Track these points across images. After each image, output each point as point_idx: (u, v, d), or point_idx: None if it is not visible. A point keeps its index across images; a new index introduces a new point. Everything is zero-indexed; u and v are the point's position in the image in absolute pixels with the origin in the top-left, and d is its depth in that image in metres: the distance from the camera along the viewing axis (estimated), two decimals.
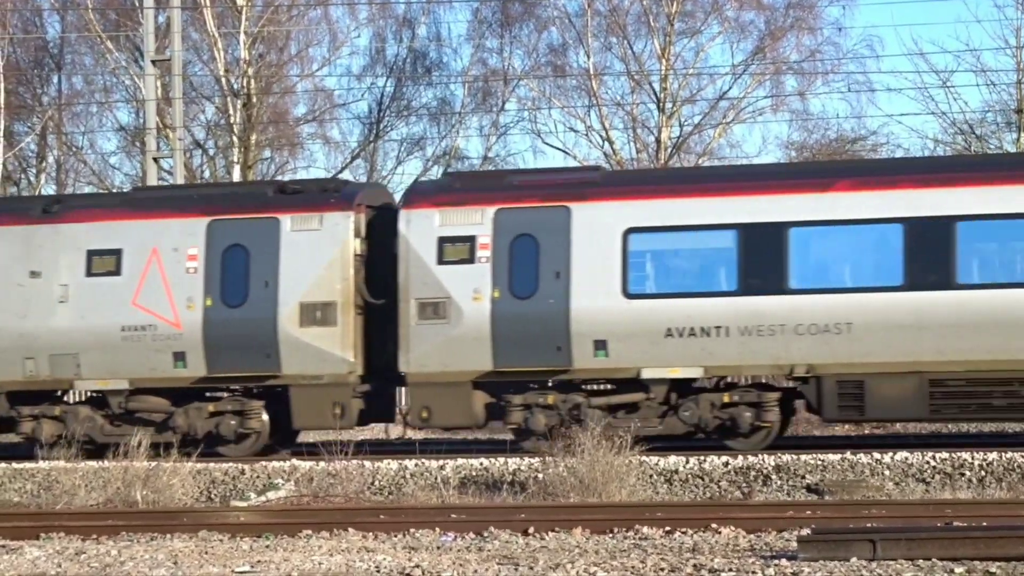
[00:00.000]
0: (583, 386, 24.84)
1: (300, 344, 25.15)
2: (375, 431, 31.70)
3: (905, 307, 23.46)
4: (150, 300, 25.67)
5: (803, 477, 22.50)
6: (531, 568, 15.43)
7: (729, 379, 24.67)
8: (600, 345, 24.25)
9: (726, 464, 22.76)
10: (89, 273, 26.01)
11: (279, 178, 44.84)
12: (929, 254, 23.54)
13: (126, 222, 26.12)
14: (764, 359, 23.95)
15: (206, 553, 17.30)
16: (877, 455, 22.59)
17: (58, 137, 49.31)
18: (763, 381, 25.07)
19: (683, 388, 24.49)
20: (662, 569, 15.12)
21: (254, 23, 45.79)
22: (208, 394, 26.18)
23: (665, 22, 44.79)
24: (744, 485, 22.57)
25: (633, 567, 15.29)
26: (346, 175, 47.56)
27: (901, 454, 22.57)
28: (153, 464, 22.53)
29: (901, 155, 43.80)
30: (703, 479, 22.69)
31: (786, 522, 18.01)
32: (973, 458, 22.27)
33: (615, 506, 20.45)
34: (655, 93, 45.20)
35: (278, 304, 25.26)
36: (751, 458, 22.77)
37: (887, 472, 22.36)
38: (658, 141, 44.81)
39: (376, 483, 23.42)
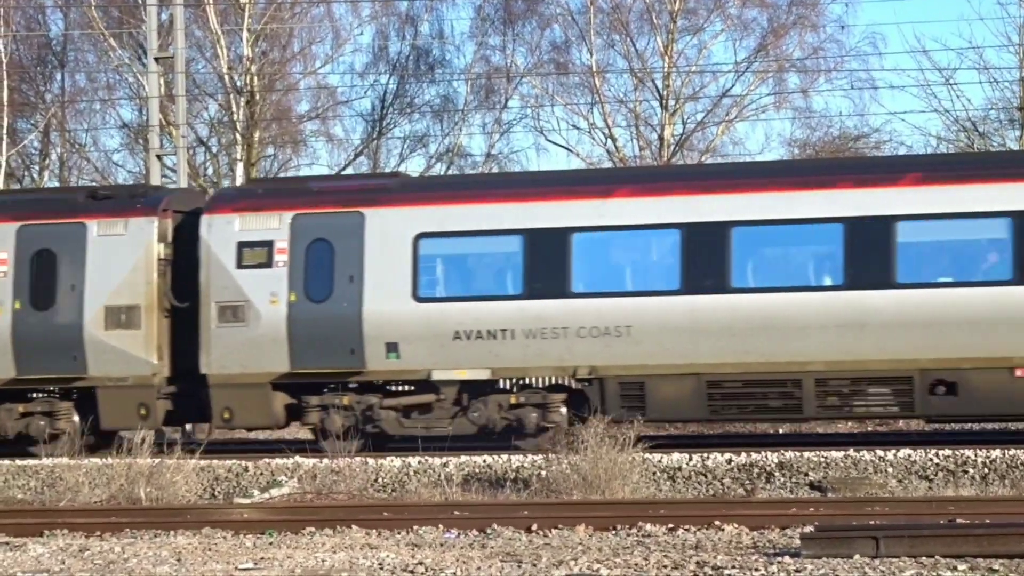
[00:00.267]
0: (387, 387, 25.35)
1: (105, 347, 25.72)
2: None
3: (682, 311, 24.00)
4: None
5: (806, 474, 22.51)
6: (534, 565, 15.44)
7: (525, 380, 25.11)
8: (392, 347, 24.82)
9: (729, 461, 22.77)
10: None
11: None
12: (704, 259, 24.05)
13: None
14: (549, 361, 24.47)
15: (209, 550, 17.32)
16: (880, 452, 22.60)
17: (61, 134, 49.33)
18: (557, 382, 25.30)
19: (477, 389, 24.94)
20: (665, 566, 15.13)
21: (257, 20, 45.79)
22: (31, 395, 26.80)
23: (668, 19, 44.77)
24: (747, 482, 22.58)
25: (636, 564, 15.30)
26: (349, 172, 47.63)
27: (904, 451, 22.58)
28: (157, 461, 22.57)
29: (904, 152, 43.87)
30: (706, 476, 22.70)
31: (789, 519, 18.01)
32: (976, 455, 22.28)
33: (618, 503, 20.47)
34: (658, 90, 45.19)
35: (84, 307, 25.86)
36: (754, 455, 22.78)
37: (890, 469, 22.37)
38: (661, 138, 44.80)
39: (379, 480, 23.43)
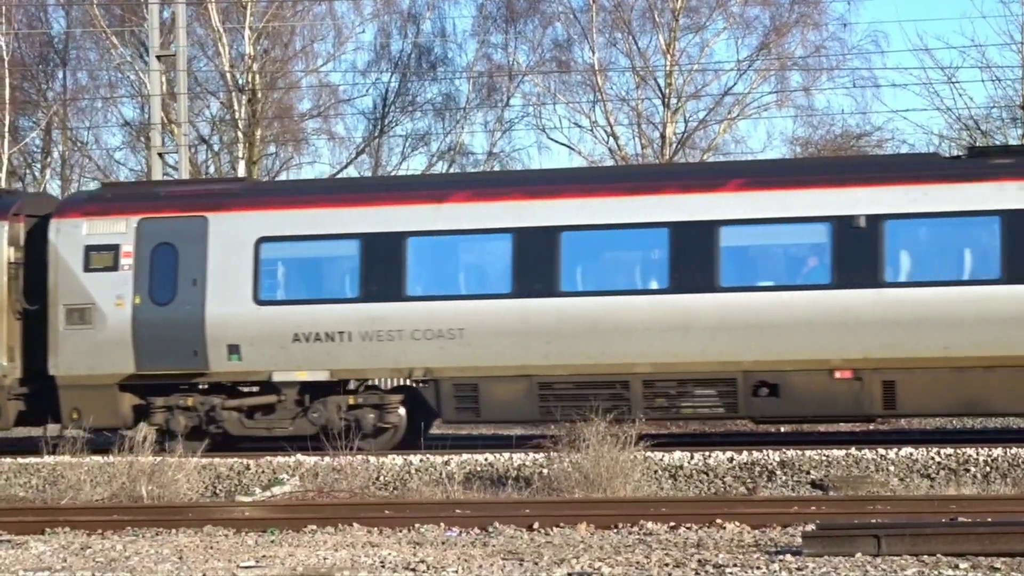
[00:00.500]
0: (239, 388, 25.70)
1: None
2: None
3: (513, 314, 24.33)
4: None
5: (808, 473, 22.50)
6: (535, 563, 15.45)
7: (371, 382, 25.62)
8: (234, 349, 25.16)
9: (731, 460, 22.77)
10: None
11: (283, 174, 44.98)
12: (535, 263, 24.36)
13: None
14: (385, 363, 24.79)
15: (211, 548, 17.32)
16: (882, 451, 22.59)
17: (63, 132, 49.35)
18: (403, 384, 25.67)
19: (319, 390, 25.24)
20: (666, 564, 15.13)
21: (259, 18, 45.81)
22: None
23: (670, 17, 44.78)
24: (749, 481, 22.58)
25: (637, 562, 15.30)
26: (351, 171, 47.69)
27: (906, 450, 22.57)
28: (158, 459, 22.58)
29: (906, 151, 43.88)
30: (708, 474, 22.70)
31: (791, 518, 18.02)
32: (978, 454, 22.27)
33: (619, 501, 20.46)
34: (660, 89, 45.20)
35: None
36: (756, 454, 22.78)
37: (892, 468, 22.37)
38: (663, 137, 44.81)
39: (381, 478, 23.44)
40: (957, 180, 23.58)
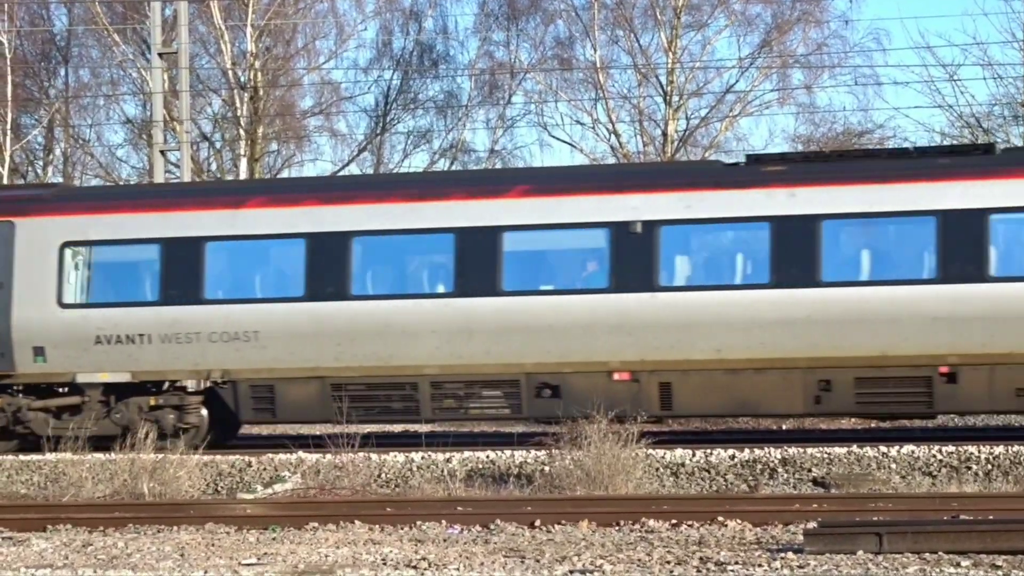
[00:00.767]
0: (56, 389, 26.08)
1: None
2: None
3: (306, 316, 24.85)
4: None
5: (809, 470, 22.50)
6: (537, 561, 15.44)
7: (179, 383, 25.93)
8: (39, 351, 25.69)
9: (732, 457, 22.77)
10: None
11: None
12: (327, 268, 24.84)
13: None
14: (184, 364, 25.29)
15: (213, 545, 17.32)
16: (883, 448, 22.58)
17: (65, 130, 49.37)
18: (209, 385, 25.94)
19: (123, 391, 25.60)
20: (668, 562, 15.13)
21: (261, 16, 45.83)
22: None
23: (672, 15, 44.79)
24: (750, 478, 22.58)
25: (639, 560, 15.30)
26: (352, 168, 47.70)
27: (907, 447, 22.57)
28: (160, 456, 22.58)
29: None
30: (709, 472, 22.70)
31: (792, 515, 18.02)
32: (979, 451, 22.26)
33: (621, 499, 20.45)
34: (662, 86, 45.22)
35: None
36: (758, 451, 22.78)
37: (893, 465, 22.36)
38: (664, 134, 44.82)
39: (382, 476, 23.44)
40: (731, 187, 23.98)
